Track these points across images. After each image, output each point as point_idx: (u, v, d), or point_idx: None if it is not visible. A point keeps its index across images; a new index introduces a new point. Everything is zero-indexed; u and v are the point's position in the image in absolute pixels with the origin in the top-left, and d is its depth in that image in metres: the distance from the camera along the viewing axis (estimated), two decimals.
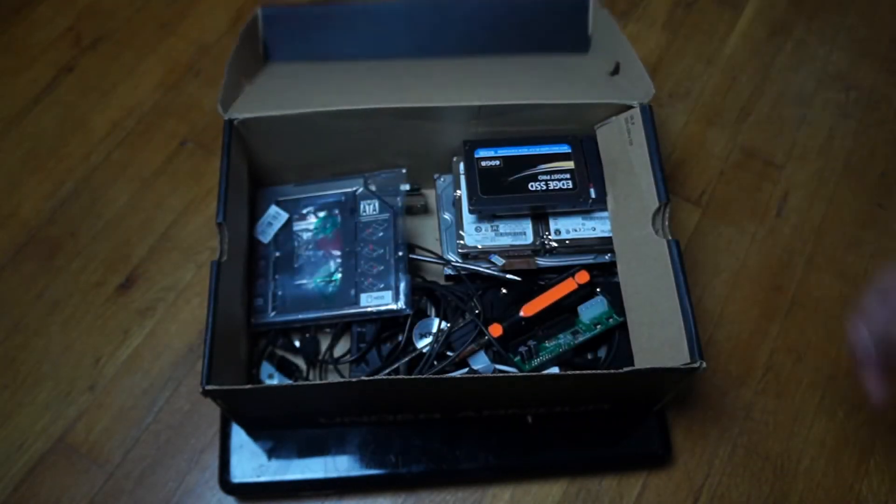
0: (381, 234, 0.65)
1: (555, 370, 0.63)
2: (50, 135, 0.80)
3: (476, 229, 0.65)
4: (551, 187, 0.65)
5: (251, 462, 0.61)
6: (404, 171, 0.68)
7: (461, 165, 0.68)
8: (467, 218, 0.66)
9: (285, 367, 0.65)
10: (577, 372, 0.53)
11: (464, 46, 0.72)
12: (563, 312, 0.63)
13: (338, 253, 0.65)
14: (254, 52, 0.69)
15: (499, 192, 0.64)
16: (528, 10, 0.72)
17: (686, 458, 0.66)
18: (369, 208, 0.67)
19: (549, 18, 0.72)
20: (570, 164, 0.66)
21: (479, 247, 0.65)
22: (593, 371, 0.53)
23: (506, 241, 0.65)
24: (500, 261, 0.64)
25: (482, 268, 0.65)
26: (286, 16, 0.70)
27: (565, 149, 0.66)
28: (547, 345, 0.62)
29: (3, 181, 0.77)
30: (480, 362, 0.61)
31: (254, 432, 0.62)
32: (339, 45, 0.71)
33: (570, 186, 0.65)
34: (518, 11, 0.72)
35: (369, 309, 0.62)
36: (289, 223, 0.67)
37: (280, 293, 0.64)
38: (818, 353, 0.70)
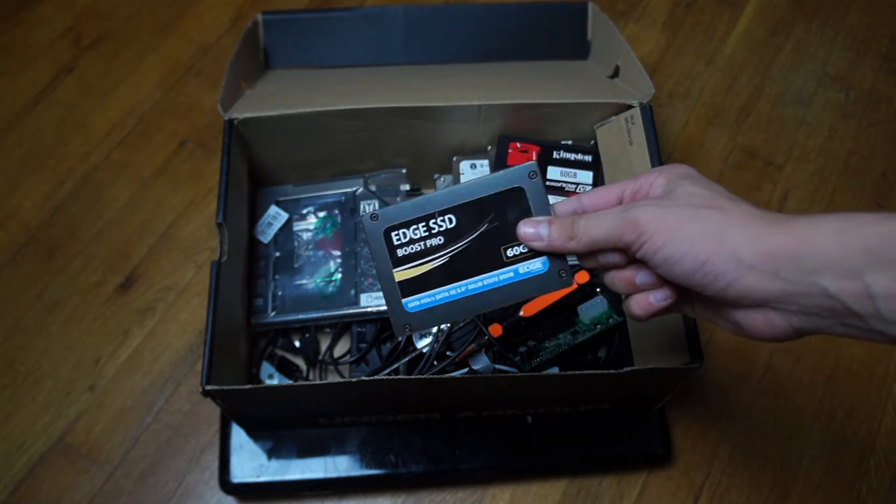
0: None
1: (555, 370, 0.63)
2: (50, 135, 0.80)
3: None
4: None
5: (251, 462, 0.61)
6: (404, 171, 0.68)
7: (461, 165, 0.68)
8: None
9: (285, 367, 0.65)
10: (577, 372, 0.53)
11: (463, 53, 0.72)
12: (563, 312, 0.63)
13: (338, 253, 0.65)
14: (254, 58, 0.69)
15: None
16: (526, 18, 0.72)
17: (686, 458, 0.66)
18: (369, 208, 0.67)
19: (547, 25, 0.73)
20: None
21: None
22: (593, 371, 0.53)
23: None
24: None
25: None
26: (286, 21, 0.70)
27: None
28: (547, 345, 0.62)
29: (3, 181, 0.77)
30: (480, 362, 0.61)
31: (254, 432, 0.62)
32: (340, 52, 0.72)
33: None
34: (516, 19, 0.72)
35: (369, 309, 0.62)
36: (289, 223, 0.67)
37: (280, 293, 0.64)
38: (818, 353, 0.70)
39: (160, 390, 0.67)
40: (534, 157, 0.67)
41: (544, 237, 0.38)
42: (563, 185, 0.66)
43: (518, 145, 0.67)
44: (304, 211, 0.68)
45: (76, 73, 0.84)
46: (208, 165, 0.79)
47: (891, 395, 0.69)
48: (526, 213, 0.40)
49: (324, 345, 0.66)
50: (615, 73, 0.67)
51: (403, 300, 0.41)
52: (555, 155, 0.67)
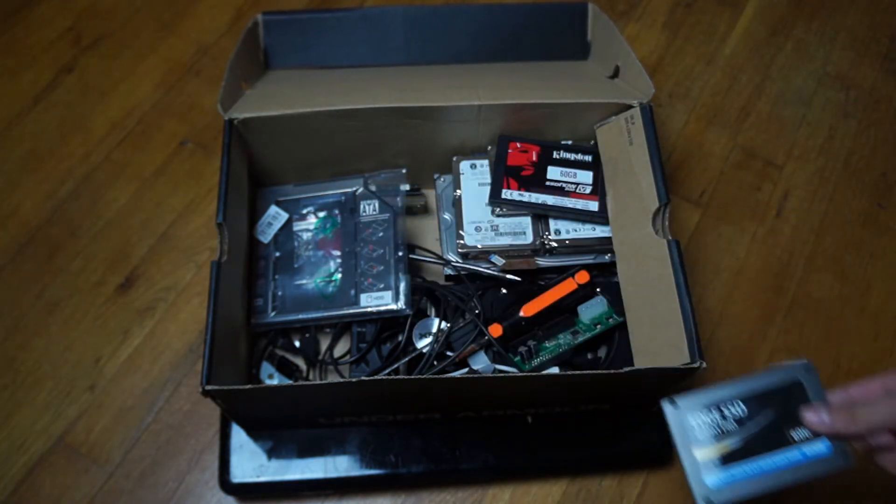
0: (381, 234, 0.65)
1: (555, 370, 0.63)
2: (50, 135, 0.80)
3: (476, 229, 0.65)
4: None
5: (251, 462, 0.61)
6: (404, 171, 0.68)
7: (461, 165, 0.68)
8: (467, 218, 0.66)
9: (285, 367, 0.65)
10: (577, 372, 0.53)
11: (463, 53, 0.72)
12: (563, 312, 0.63)
13: (338, 253, 0.65)
14: (254, 58, 0.69)
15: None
16: (526, 18, 0.72)
17: None
18: (369, 208, 0.67)
19: (547, 26, 0.72)
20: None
21: (479, 247, 0.65)
22: (593, 371, 0.54)
23: (506, 241, 0.65)
24: (500, 261, 0.64)
25: (482, 268, 0.65)
26: (286, 22, 0.70)
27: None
28: (547, 345, 0.62)
29: (3, 181, 0.77)
30: (480, 362, 0.61)
31: (254, 432, 0.62)
32: (340, 52, 0.72)
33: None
34: (516, 19, 0.72)
35: (369, 309, 0.62)
36: (289, 223, 0.67)
37: (280, 293, 0.64)
38: (818, 353, 0.70)
39: (160, 390, 0.67)
40: (534, 158, 0.67)
41: (827, 422, 0.44)
42: (563, 184, 0.66)
43: (518, 145, 0.67)
44: (304, 211, 0.68)
45: (76, 73, 0.84)
46: (208, 165, 0.79)
47: None
48: (805, 401, 0.47)
49: (324, 345, 0.66)
50: (615, 74, 0.67)
51: (703, 476, 0.47)
52: (555, 155, 0.67)
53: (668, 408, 0.47)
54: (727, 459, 0.46)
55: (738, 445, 0.46)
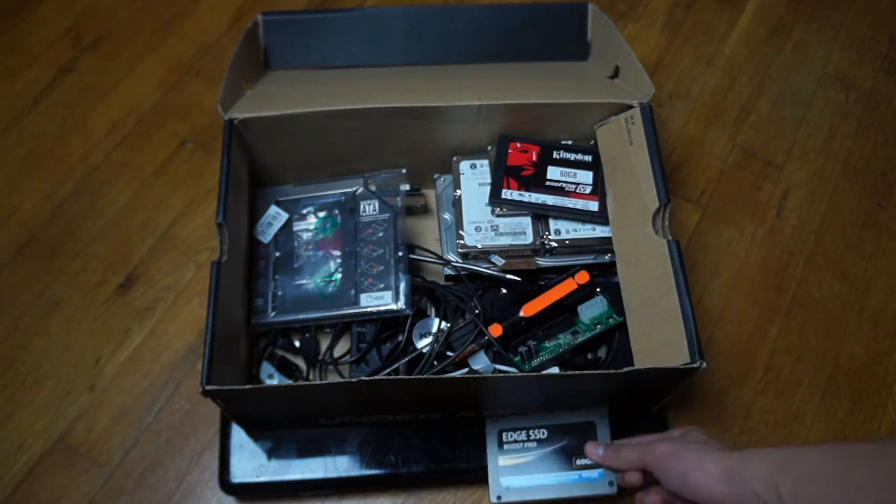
0: (381, 234, 0.65)
1: (555, 370, 0.63)
2: (50, 135, 0.80)
3: (476, 229, 0.65)
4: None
5: (251, 462, 0.61)
6: (404, 171, 0.68)
7: (461, 165, 0.68)
8: (467, 218, 0.66)
9: (285, 367, 0.65)
10: (577, 372, 0.53)
11: (463, 53, 0.72)
12: (563, 312, 0.63)
13: (338, 253, 0.65)
14: (254, 58, 0.69)
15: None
16: (526, 18, 0.72)
17: None
18: (369, 208, 0.67)
19: (547, 26, 0.72)
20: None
21: (479, 247, 0.65)
22: (593, 371, 0.53)
23: (506, 241, 0.65)
24: (500, 261, 0.64)
25: (482, 268, 0.65)
26: (286, 22, 0.70)
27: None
28: (547, 345, 0.62)
29: (3, 181, 0.77)
30: (480, 362, 0.61)
31: (254, 432, 0.62)
32: (340, 52, 0.72)
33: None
34: (516, 19, 0.72)
35: (369, 309, 0.62)
36: (289, 223, 0.67)
37: (280, 293, 0.64)
38: (818, 353, 0.71)
39: (160, 390, 0.67)
40: (534, 157, 0.67)
41: (600, 455, 0.54)
42: (563, 184, 0.66)
43: (518, 145, 0.67)
44: (304, 211, 0.68)
45: (76, 73, 0.84)
46: (208, 165, 0.79)
47: (891, 395, 0.69)
48: (593, 437, 0.59)
49: (324, 345, 0.66)
50: (615, 74, 0.67)
51: (501, 478, 0.59)
52: (555, 155, 0.67)
53: (489, 423, 0.60)
54: (522, 470, 0.59)
55: (532, 459, 0.59)
